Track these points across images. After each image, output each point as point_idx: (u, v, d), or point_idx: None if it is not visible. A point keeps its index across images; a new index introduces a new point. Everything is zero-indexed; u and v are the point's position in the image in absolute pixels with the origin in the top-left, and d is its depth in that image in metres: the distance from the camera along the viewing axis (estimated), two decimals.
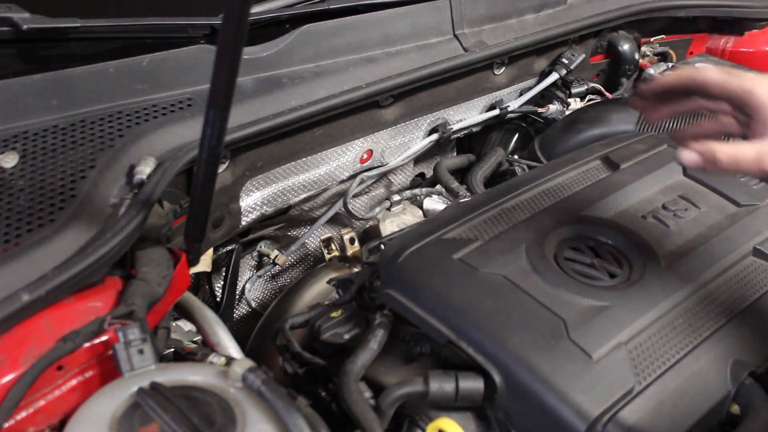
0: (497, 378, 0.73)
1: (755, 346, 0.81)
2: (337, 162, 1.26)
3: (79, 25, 1.00)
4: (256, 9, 1.16)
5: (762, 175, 0.70)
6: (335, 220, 1.47)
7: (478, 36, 1.35)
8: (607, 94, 1.63)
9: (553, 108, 1.55)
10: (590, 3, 1.55)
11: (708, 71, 0.77)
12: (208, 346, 0.94)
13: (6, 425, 0.66)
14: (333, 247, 1.37)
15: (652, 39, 1.77)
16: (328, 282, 1.03)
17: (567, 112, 1.55)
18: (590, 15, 1.52)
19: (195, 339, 1.02)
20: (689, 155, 0.73)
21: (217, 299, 1.31)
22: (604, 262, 0.88)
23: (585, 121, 1.43)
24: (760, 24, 1.79)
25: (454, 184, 1.33)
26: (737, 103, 0.75)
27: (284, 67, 1.13)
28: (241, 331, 1.39)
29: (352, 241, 1.35)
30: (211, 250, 1.16)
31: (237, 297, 1.37)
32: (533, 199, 0.99)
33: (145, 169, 0.87)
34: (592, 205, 0.97)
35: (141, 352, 0.72)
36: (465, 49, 1.32)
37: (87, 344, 0.73)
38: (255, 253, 1.41)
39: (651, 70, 1.66)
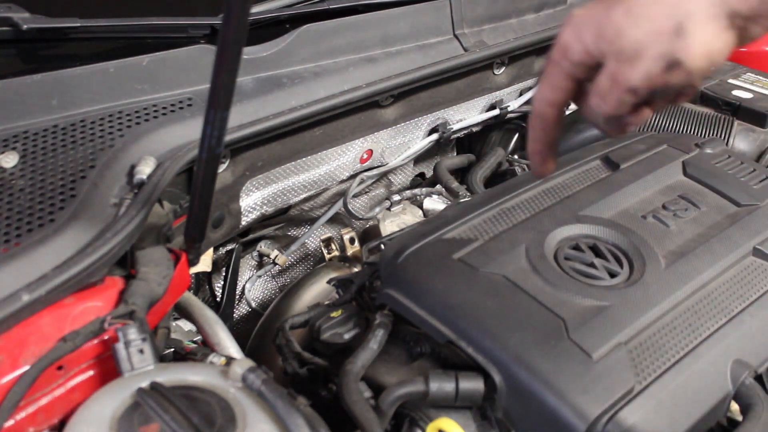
0: (497, 378, 0.73)
1: (755, 346, 0.81)
2: (337, 162, 1.26)
3: (79, 25, 1.00)
4: (256, 9, 1.16)
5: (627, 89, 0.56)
6: (335, 220, 1.47)
7: (478, 36, 1.35)
8: None
9: None
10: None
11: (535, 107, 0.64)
12: (208, 346, 0.94)
13: (6, 425, 0.66)
14: (333, 247, 1.37)
15: None
16: (328, 282, 1.03)
17: (567, 112, 1.55)
18: None
19: (195, 339, 1.02)
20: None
21: (217, 299, 1.31)
22: (604, 261, 0.88)
23: (585, 121, 1.43)
24: None
25: (454, 184, 1.33)
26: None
27: (284, 67, 1.13)
28: (241, 331, 1.39)
29: (352, 241, 1.35)
30: (211, 250, 1.16)
31: (237, 297, 1.37)
32: (533, 199, 0.99)
33: (145, 169, 0.87)
34: (592, 205, 0.97)
35: (141, 352, 0.72)
36: (465, 49, 1.32)
37: (87, 344, 0.73)
38: (255, 253, 1.41)
39: None
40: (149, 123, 0.95)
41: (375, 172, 1.36)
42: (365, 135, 1.27)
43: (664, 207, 0.98)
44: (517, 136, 1.60)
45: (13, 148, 0.88)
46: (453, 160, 1.49)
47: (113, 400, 0.68)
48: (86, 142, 0.90)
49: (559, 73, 0.60)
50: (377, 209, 1.39)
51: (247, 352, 1.16)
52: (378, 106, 1.26)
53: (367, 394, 0.78)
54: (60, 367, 0.73)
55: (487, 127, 1.56)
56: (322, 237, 1.39)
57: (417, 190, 1.40)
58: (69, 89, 0.95)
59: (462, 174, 1.51)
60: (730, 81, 1.55)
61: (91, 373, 0.76)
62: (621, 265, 0.88)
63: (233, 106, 0.70)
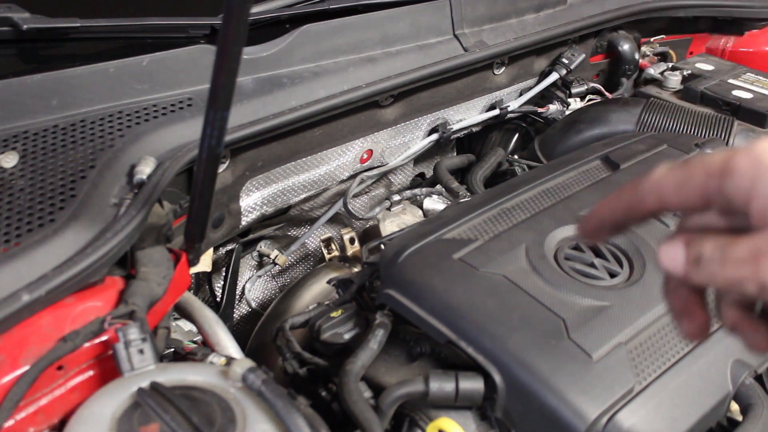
0: (497, 378, 0.73)
1: None
2: (337, 162, 1.26)
3: (79, 25, 1.00)
4: (256, 9, 1.16)
5: (756, 285, 0.43)
6: (335, 220, 1.47)
7: (478, 36, 1.35)
8: (607, 94, 1.63)
9: (553, 108, 1.55)
10: (590, 3, 1.55)
11: (650, 183, 0.49)
12: (208, 346, 0.94)
13: (6, 425, 0.66)
14: (333, 247, 1.37)
15: (652, 39, 1.77)
16: (328, 282, 1.03)
17: (567, 112, 1.55)
18: (590, 15, 1.52)
19: (195, 339, 1.02)
20: (669, 254, 0.48)
21: (217, 299, 1.31)
22: (604, 262, 0.88)
23: (585, 121, 1.43)
24: (760, 24, 1.79)
25: (454, 184, 1.33)
26: (714, 205, 0.47)
27: (284, 67, 1.13)
28: (241, 331, 1.39)
29: (352, 241, 1.35)
30: (211, 250, 1.16)
31: (237, 297, 1.37)
32: (533, 199, 0.99)
33: (145, 169, 0.87)
34: (592, 205, 0.96)
35: (141, 352, 0.72)
36: (465, 49, 1.32)
37: (87, 344, 0.73)
38: (255, 253, 1.41)
39: (651, 70, 1.66)
40: (149, 123, 0.95)
41: (375, 172, 1.36)
42: (365, 135, 1.27)
43: None
44: (517, 136, 1.61)
45: (13, 148, 0.88)
46: (453, 160, 1.49)
47: (113, 400, 0.68)
48: (86, 142, 0.90)
49: (695, 186, 0.47)
50: (377, 209, 1.39)
51: (247, 352, 1.16)
52: (378, 106, 1.26)
53: (367, 394, 0.78)
54: (60, 367, 0.73)
55: (487, 127, 1.56)
56: (322, 237, 1.39)
57: (417, 190, 1.40)
58: (69, 89, 0.95)
59: (462, 174, 1.51)
60: (730, 81, 1.55)
61: (91, 373, 0.76)
62: (621, 265, 0.88)
63: (233, 106, 0.70)
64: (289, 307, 1.20)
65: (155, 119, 0.96)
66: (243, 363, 0.71)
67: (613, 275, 0.86)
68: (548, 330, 0.76)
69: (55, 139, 0.90)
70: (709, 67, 1.65)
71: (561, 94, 1.56)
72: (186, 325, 1.10)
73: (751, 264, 0.43)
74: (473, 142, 1.64)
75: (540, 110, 1.54)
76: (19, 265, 0.74)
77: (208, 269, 1.17)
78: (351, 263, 1.33)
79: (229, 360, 0.84)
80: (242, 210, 1.14)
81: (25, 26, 0.95)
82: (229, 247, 1.31)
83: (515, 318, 0.77)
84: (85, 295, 0.78)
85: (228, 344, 0.93)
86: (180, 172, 0.91)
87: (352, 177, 1.33)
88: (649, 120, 1.38)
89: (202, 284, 1.35)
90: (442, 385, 0.74)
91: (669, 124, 1.37)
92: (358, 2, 1.24)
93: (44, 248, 0.77)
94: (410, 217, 1.37)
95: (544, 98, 1.57)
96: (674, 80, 1.59)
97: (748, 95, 1.47)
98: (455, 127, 1.43)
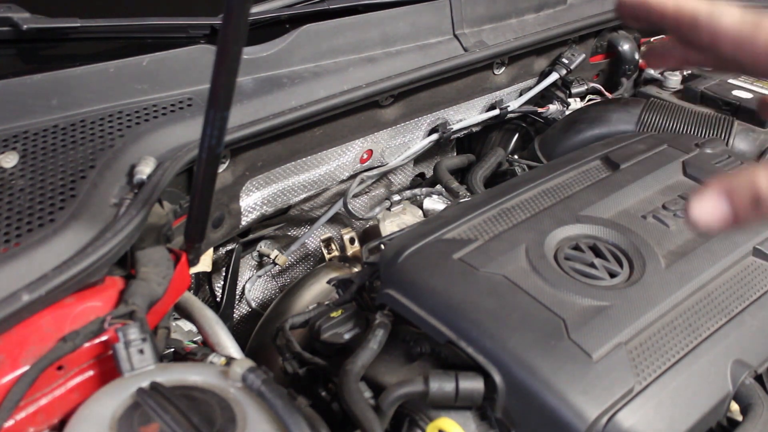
0: (497, 378, 0.73)
1: (755, 346, 0.81)
2: (337, 162, 1.26)
3: (79, 25, 1.00)
4: (256, 9, 1.16)
5: None
6: (335, 220, 1.47)
7: (478, 36, 1.35)
8: (607, 94, 1.63)
9: (553, 108, 1.55)
10: (590, 3, 1.55)
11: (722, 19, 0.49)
12: (208, 346, 0.94)
13: (6, 425, 0.66)
14: (333, 247, 1.37)
15: (652, 39, 1.77)
16: (328, 282, 1.03)
17: (567, 112, 1.55)
18: (590, 15, 1.52)
19: (195, 339, 1.02)
20: (703, 209, 0.46)
21: (217, 299, 1.31)
22: (604, 261, 0.88)
23: (585, 121, 1.43)
24: None
25: (454, 184, 1.33)
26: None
27: (284, 67, 1.13)
28: (241, 331, 1.39)
29: (352, 241, 1.35)
30: (211, 250, 1.16)
31: (237, 297, 1.37)
32: (533, 199, 0.99)
33: (145, 169, 0.87)
34: (592, 205, 0.97)
35: (141, 352, 0.72)
36: (465, 49, 1.32)
37: (87, 344, 0.73)
38: (255, 253, 1.41)
39: (651, 70, 1.66)
40: (149, 123, 0.95)
41: (375, 172, 1.36)
42: (365, 135, 1.27)
43: (664, 207, 0.98)
44: (517, 136, 1.61)
45: (13, 148, 0.88)
46: (453, 160, 1.49)
47: (113, 400, 0.68)
48: (86, 142, 0.90)
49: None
50: (377, 209, 1.39)
51: (247, 352, 1.16)
52: (378, 106, 1.26)
53: (367, 394, 0.78)
54: (60, 367, 0.73)
55: (487, 127, 1.56)
56: (322, 237, 1.39)
57: (417, 190, 1.40)
58: (69, 89, 0.95)
59: (462, 174, 1.51)
60: (730, 81, 1.55)
61: (91, 373, 0.76)
62: (621, 265, 0.88)
63: (233, 106, 0.70)
64: (289, 307, 1.20)
65: (155, 119, 0.96)
66: (243, 363, 0.71)
67: (613, 275, 0.86)
68: (548, 330, 0.76)
69: (55, 139, 0.90)
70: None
71: (561, 94, 1.56)
72: (186, 325, 1.10)
73: None
74: (473, 142, 1.64)
75: (540, 110, 1.54)
76: (19, 265, 0.74)
77: (208, 269, 1.17)
78: (351, 263, 1.33)
79: (229, 360, 0.84)
80: (242, 210, 1.14)
81: (25, 26, 0.95)
82: (229, 247, 1.31)
83: (515, 318, 0.77)
84: (85, 295, 0.78)
85: (228, 344, 0.93)
86: (180, 172, 0.91)
87: (352, 177, 1.33)
88: (649, 120, 1.38)
89: (202, 284, 1.35)
90: (442, 385, 0.74)
91: (669, 124, 1.37)
92: (358, 2, 1.24)
93: (44, 248, 0.77)
94: (410, 217, 1.37)
95: (544, 98, 1.57)
96: (674, 80, 1.59)
97: (748, 95, 1.47)
98: (455, 127, 1.43)
